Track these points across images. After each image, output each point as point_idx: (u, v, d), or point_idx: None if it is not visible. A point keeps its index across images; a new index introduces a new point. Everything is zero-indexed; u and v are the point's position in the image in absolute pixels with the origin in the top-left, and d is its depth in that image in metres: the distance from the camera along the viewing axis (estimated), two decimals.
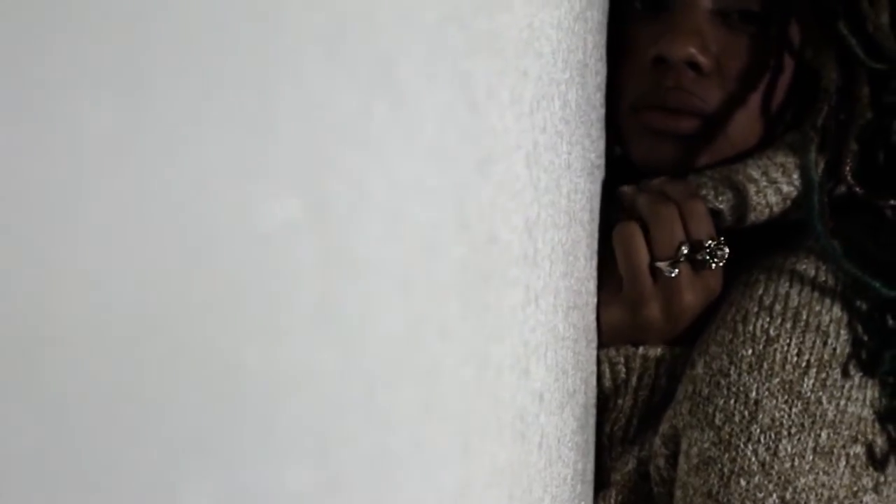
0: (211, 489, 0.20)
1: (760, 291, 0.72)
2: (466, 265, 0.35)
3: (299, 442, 0.23)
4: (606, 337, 0.78)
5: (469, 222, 0.36)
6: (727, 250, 0.76)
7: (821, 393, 0.68)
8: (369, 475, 0.27)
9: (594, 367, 0.76)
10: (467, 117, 0.35)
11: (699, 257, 0.75)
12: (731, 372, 0.70)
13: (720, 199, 0.77)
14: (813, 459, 0.67)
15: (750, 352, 0.70)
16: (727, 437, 0.69)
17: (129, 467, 0.17)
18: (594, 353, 0.76)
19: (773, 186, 0.77)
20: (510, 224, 0.42)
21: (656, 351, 0.77)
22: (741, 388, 0.69)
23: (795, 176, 0.77)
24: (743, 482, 0.68)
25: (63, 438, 0.16)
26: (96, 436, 0.17)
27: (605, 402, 0.79)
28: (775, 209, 0.77)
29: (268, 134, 0.21)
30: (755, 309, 0.72)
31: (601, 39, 0.75)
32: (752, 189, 0.76)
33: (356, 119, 0.25)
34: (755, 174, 0.77)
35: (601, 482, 0.79)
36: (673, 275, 0.75)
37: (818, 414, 0.68)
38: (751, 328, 0.71)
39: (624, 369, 0.78)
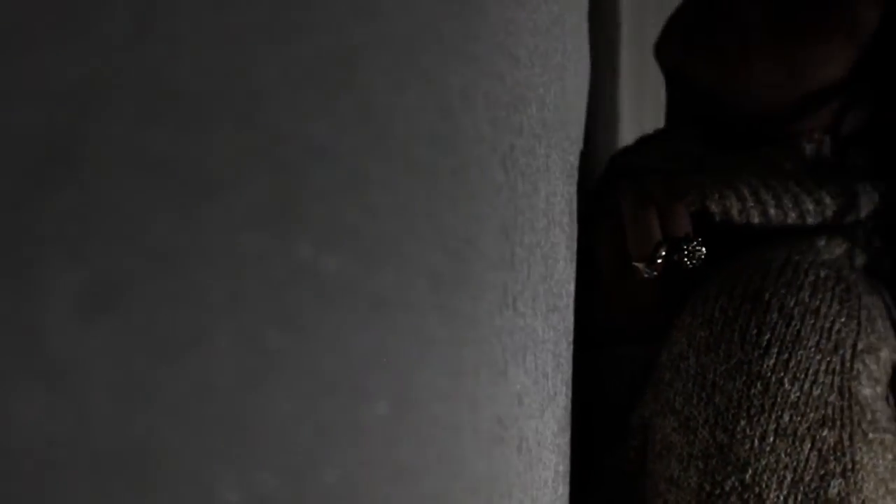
0: (186, 499, 0.20)
1: (724, 276, 0.72)
2: (442, 271, 0.35)
3: (272, 453, 0.23)
4: (589, 335, 0.79)
5: (444, 228, 0.36)
6: (704, 251, 0.76)
7: (782, 374, 0.67)
8: (342, 486, 0.27)
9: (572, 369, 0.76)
10: (440, 124, 0.35)
11: (676, 258, 0.76)
12: (690, 355, 0.70)
13: (709, 203, 0.77)
14: (774, 441, 0.66)
15: (707, 333, 0.69)
16: (685, 420, 0.68)
17: (99, 472, 0.17)
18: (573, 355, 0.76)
19: (759, 207, 0.77)
20: (486, 228, 0.42)
21: (630, 349, 0.78)
22: (699, 371, 0.69)
23: (791, 201, 0.76)
24: (701, 465, 0.67)
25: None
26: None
27: (584, 402, 0.79)
28: (758, 224, 0.77)
29: (235, 147, 0.21)
30: (715, 291, 0.71)
31: (581, 42, 0.75)
32: (736, 208, 0.77)
33: (324, 129, 0.25)
34: (746, 192, 0.77)
35: (583, 481, 0.79)
36: (650, 276, 0.76)
37: (779, 395, 0.67)
38: (709, 309, 0.70)
39: (600, 369, 0.79)
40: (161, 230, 0.19)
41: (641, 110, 1.53)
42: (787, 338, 0.68)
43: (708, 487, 0.67)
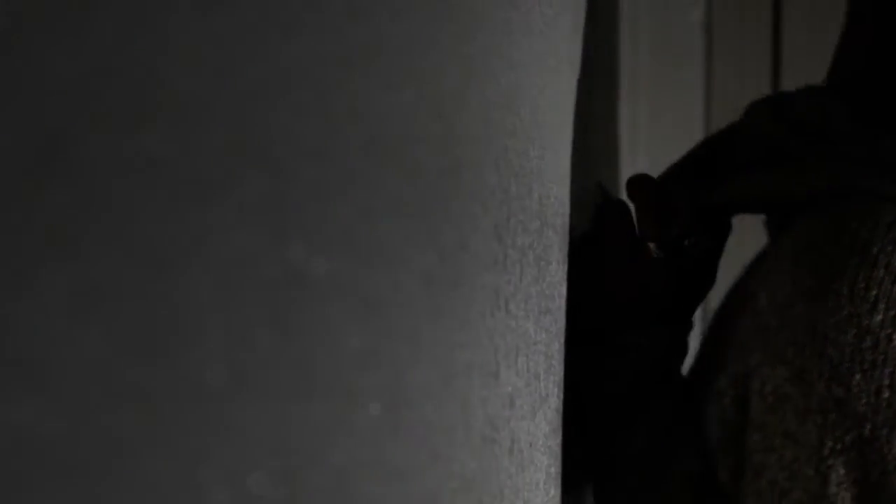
0: (178, 500, 0.20)
1: (826, 222, 0.69)
2: (434, 272, 0.35)
3: (264, 454, 0.23)
4: (591, 324, 0.78)
5: (437, 229, 0.36)
6: (709, 243, 0.77)
7: (890, 330, 0.65)
8: (334, 487, 0.27)
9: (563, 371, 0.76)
10: (434, 125, 0.35)
11: (688, 243, 0.76)
12: (797, 303, 0.68)
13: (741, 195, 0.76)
14: (890, 397, 0.65)
15: (814, 282, 0.67)
16: (799, 371, 0.67)
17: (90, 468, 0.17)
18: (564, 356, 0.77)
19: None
20: (479, 229, 0.42)
21: (634, 338, 0.78)
22: (809, 320, 0.67)
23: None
24: (819, 419, 0.66)
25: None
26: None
27: (588, 393, 0.78)
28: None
29: (228, 148, 0.21)
30: (819, 238, 0.69)
31: (576, 43, 0.76)
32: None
33: (317, 130, 0.25)
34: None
35: (579, 478, 0.79)
36: (659, 256, 0.76)
37: (890, 351, 0.65)
38: (814, 257, 0.68)
39: (604, 357, 0.79)
40: (153, 231, 0.19)
41: (637, 111, 1.54)
42: (893, 295, 0.66)
43: (830, 443, 0.65)
